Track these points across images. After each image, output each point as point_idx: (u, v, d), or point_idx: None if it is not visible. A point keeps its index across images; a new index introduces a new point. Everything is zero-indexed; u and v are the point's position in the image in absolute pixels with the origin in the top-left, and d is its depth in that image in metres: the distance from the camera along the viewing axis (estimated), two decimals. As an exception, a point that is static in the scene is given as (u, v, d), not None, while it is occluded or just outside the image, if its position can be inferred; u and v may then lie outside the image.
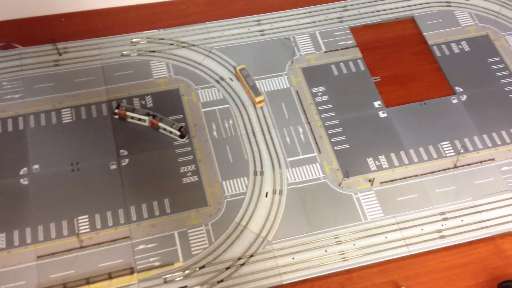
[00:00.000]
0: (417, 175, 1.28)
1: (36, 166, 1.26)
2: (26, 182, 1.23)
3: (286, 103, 1.39)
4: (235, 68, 1.34)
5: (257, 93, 1.35)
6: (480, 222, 1.22)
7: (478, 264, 1.18)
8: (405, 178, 1.28)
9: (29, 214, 1.19)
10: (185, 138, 1.31)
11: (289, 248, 1.19)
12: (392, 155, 1.32)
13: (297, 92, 1.41)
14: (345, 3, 1.57)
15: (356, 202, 1.25)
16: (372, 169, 1.30)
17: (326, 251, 1.19)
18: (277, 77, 1.43)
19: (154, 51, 1.45)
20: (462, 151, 1.31)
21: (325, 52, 1.48)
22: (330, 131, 1.35)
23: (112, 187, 1.24)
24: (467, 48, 1.49)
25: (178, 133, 1.30)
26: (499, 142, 1.33)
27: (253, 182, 1.27)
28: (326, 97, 1.40)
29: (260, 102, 1.35)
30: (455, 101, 1.40)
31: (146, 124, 1.32)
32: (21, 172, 1.25)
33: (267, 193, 1.26)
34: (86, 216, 1.20)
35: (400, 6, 1.57)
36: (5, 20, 1.47)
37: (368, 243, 1.20)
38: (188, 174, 1.27)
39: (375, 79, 1.44)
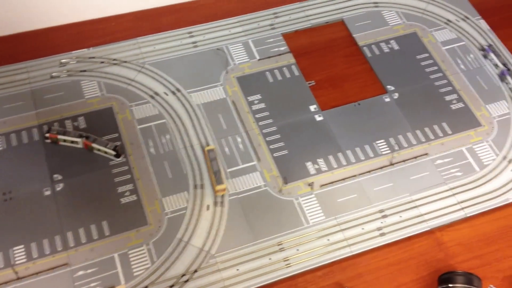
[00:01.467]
0: (355, 175, 1.30)
1: (-34, 199, 1.21)
2: (-44, 216, 1.19)
3: (223, 113, 1.39)
4: (203, 148, 1.30)
5: (219, 180, 1.24)
6: (418, 216, 1.25)
7: (419, 258, 1.20)
8: (344, 179, 1.30)
9: (-39, 249, 1.15)
10: (121, 157, 1.29)
11: (233, 259, 1.18)
12: (330, 157, 1.33)
13: (233, 101, 1.41)
14: (276, 10, 1.58)
15: (297, 207, 1.25)
16: (312, 173, 1.30)
17: (270, 259, 1.19)
18: (212, 88, 1.43)
19: (84, 71, 1.42)
20: (396, 148, 1.33)
21: (259, 60, 1.49)
22: (268, 139, 1.35)
23: (47, 214, 1.21)
24: (396, 47, 1.53)
25: (113, 152, 1.27)
26: (432, 137, 1.37)
27: (193, 196, 1.26)
28: (262, 105, 1.41)
29: (220, 191, 1.25)
30: (387, 99, 1.43)
31: (80, 146, 1.29)
32: (-49, 206, 1.20)
33: (208, 206, 1.25)
34: (22, 246, 1.16)
35: (329, 10, 1.60)
36: None
37: (312, 247, 1.20)
38: (126, 194, 1.25)
39: (309, 83, 1.45)
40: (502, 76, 1.47)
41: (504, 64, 1.48)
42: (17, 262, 1.14)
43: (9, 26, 1.47)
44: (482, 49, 1.48)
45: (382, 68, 1.48)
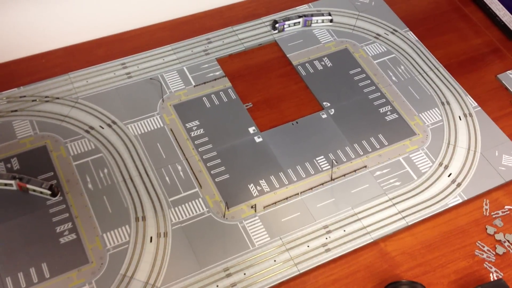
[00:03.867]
0: (297, 194, 1.31)
1: None
2: None
3: (162, 142, 1.37)
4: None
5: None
6: (362, 229, 1.26)
7: (365, 271, 1.21)
8: (286, 198, 1.30)
9: None
10: (58, 196, 1.26)
11: (180, 290, 1.16)
12: (272, 177, 1.33)
13: (171, 129, 1.40)
14: (208, 35, 1.59)
15: (242, 230, 1.25)
16: (254, 194, 1.30)
17: (217, 286, 1.17)
18: (149, 117, 1.41)
19: (16, 110, 1.39)
20: (335, 163, 1.35)
21: (195, 86, 1.49)
22: (209, 164, 1.35)
23: (-17, 262, 1.16)
24: (329, 64, 1.56)
25: (49, 192, 1.24)
26: (369, 149, 1.39)
27: (135, 229, 1.23)
28: (201, 131, 1.40)
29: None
30: (324, 116, 1.45)
31: (14, 188, 1.25)
32: None
33: (151, 237, 1.22)
34: (-43, 299, 1.11)
35: (261, 32, 1.62)
36: None
37: (259, 270, 1.19)
38: (65, 233, 1.21)
39: (247, 105, 1.46)
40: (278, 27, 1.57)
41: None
42: (-50, 317, 1.09)
43: None
44: (275, 24, 1.58)
45: (317, 85, 1.51)
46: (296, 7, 1.69)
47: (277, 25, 1.54)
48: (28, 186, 1.24)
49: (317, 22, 1.57)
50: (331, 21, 1.59)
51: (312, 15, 1.57)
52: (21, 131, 1.35)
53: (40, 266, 1.16)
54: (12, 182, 1.24)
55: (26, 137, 1.34)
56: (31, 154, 1.32)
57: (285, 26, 1.53)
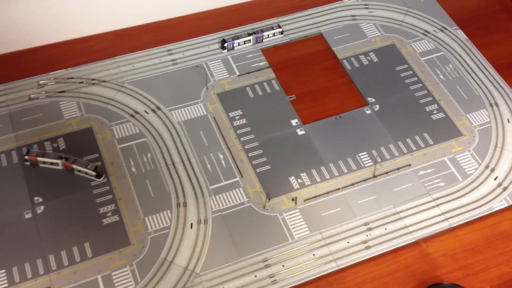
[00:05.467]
0: (339, 189, 1.30)
1: None
2: None
3: (204, 130, 1.38)
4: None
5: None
6: (403, 228, 1.24)
7: (405, 271, 1.19)
8: (327, 193, 1.29)
9: None
10: (102, 177, 1.27)
11: (219, 278, 1.17)
12: (313, 171, 1.33)
13: (214, 118, 1.40)
14: (254, 26, 1.59)
15: (282, 222, 1.25)
16: (295, 187, 1.30)
17: (256, 276, 1.17)
18: (193, 105, 1.42)
19: (63, 91, 1.41)
20: (379, 160, 1.34)
21: (239, 75, 1.49)
22: (250, 154, 1.35)
23: (28, 237, 1.18)
24: (375, 59, 1.54)
25: (94, 173, 1.26)
26: (414, 148, 1.37)
27: (176, 214, 1.24)
28: (244, 120, 1.40)
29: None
30: (368, 111, 1.43)
31: (60, 167, 1.28)
32: None
33: (192, 224, 1.23)
34: (3, 271, 1.14)
35: (307, 24, 1.61)
36: None
37: (297, 263, 1.19)
38: (108, 215, 1.23)
39: (290, 97, 1.46)
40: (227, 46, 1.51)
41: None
42: (-3, 289, 1.12)
43: (-14, 48, 1.46)
44: (223, 43, 1.51)
45: (362, 80, 1.49)
46: (343, 0, 1.67)
47: (225, 44, 1.49)
48: (74, 166, 1.26)
49: (268, 37, 1.53)
50: (281, 33, 1.54)
51: (262, 31, 1.52)
52: (68, 112, 1.38)
53: (83, 245, 1.18)
54: (59, 161, 1.26)
55: (72, 118, 1.37)
56: (77, 135, 1.34)
57: (234, 44, 1.49)
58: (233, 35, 1.49)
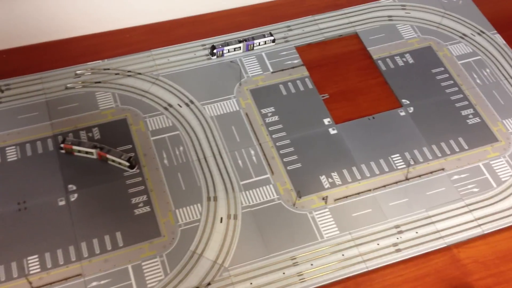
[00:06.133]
0: (370, 190, 1.29)
1: (-19, 208, 1.21)
2: (-30, 226, 1.19)
3: (236, 126, 1.38)
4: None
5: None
6: (435, 232, 1.23)
7: (435, 275, 1.18)
8: (358, 193, 1.28)
9: (-25, 259, 1.15)
10: (135, 168, 1.29)
11: (247, 273, 1.17)
12: (345, 171, 1.32)
13: (246, 114, 1.41)
14: (289, 23, 1.59)
15: (311, 221, 1.24)
16: (326, 186, 1.29)
17: (284, 273, 1.17)
18: (226, 100, 1.43)
19: (99, 82, 1.43)
20: (412, 163, 1.32)
21: (272, 72, 1.49)
22: (282, 151, 1.35)
23: (61, 224, 1.20)
24: (411, 61, 1.52)
25: (127, 163, 1.27)
26: (448, 152, 1.35)
27: (207, 208, 1.25)
28: (276, 118, 1.40)
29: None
30: (402, 113, 1.42)
31: (94, 156, 1.29)
32: (-35, 216, 1.20)
33: (221, 218, 1.24)
34: (36, 256, 1.16)
35: (343, 23, 1.60)
36: None
37: (326, 262, 1.19)
38: (140, 205, 1.24)
39: (323, 96, 1.45)
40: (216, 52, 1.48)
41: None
42: (31, 272, 1.14)
43: (25, 37, 1.48)
44: (213, 50, 1.49)
45: (397, 81, 1.48)
46: (380, 0, 1.65)
47: (215, 51, 1.47)
48: (108, 156, 1.28)
49: (259, 45, 1.51)
50: (273, 41, 1.52)
51: (253, 38, 1.50)
52: (103, 103, 1.39)
53: (115, 234, 1.20)
54: (93, 151, 1.28)
55: (107, 108, 1.38)
56: (112, 125, 1.36)
57: (224, 51, 1.47)
58: (223, 42, 1.48)
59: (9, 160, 1.28)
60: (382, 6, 1.64)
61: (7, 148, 1.30)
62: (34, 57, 1.47)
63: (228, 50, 1.47)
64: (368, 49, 1.55)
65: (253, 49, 1.48)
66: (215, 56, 1.46)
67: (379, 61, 1.52)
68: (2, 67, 1.43)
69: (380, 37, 1.57)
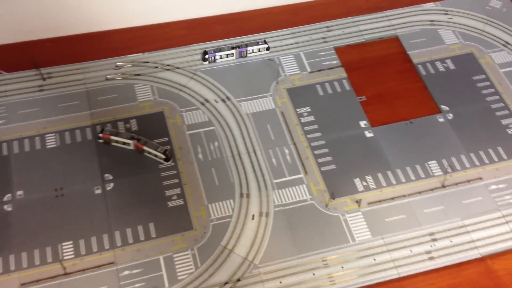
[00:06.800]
0: (404, 196, 1.27)
1: (20, 192, 1.24)
2: (10, 209, 1.22)
3: (272, 124, 1.38)
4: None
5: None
6: (470, 242, 1.21)
7: (468, 286, 1.16)
8: (392, 198, 1.27)
9: (12, 240, 1.17)
10: (170, 161, 1.30)
11: (277, 271, 1.17)
12: (379, 175, 1.31)
13: (282, 113, 1.40)
14: (329, 24, 1.58)
15: (343, 223, 1.24)
16: (360, 189, 1.29)
17: (314, 274, 1.17)
18: (262, 98, 1.43)
19: (138, 75, 1.45)
20: (449, 170, 1.30)
21: (310, 72, 1.48)
22: (316, 152, 1.34)
23: (96, 212, 1.23)
24: (452, 66, 1.50)
25: (163, 156, 1.29)
26: (486, 161, 1.33)
27: (239, 204, 1.26)
28: (311, 118, 1.40)
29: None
30: (441, 119, 1.40)
31: (131, 147, 1.31)
32: (5, 199, 1.23)
33: (253, 215, 1.24)
34: (71, 242, 1.18)
35: (383, 25, 1.58)
36: (-11, 45, 1.47)
37: (357, 266, 1.18)
38: (173, 198, 1.26)
39: (360, 98, 1.44)
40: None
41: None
42: (65, 258, 1.16)
43: (69, 27, 1.51)
44: (205, 55, 1.46)
45: (436, 87, 1.45)
46: (422, 4, 1.63)
47: (206, 56, 1.45)
48: (145, 147, 1.29)
49: (252, 52, 1.48)
50: (267, 49, 1.49)
51: (246, 45, 1.48)
52: (141, 95, 1.41)
53: (148, 225, 1.21)
54: (131, 142, 1.30)
55: (146, 101, 1.40)
56: (149, 118, 1.37)
57: (216, 57, 1.45)
58: (216, 48, 1.47)
59: (48, 147, 1.31)
60: (424, 10, 1.62)
61: (46, 135, 1.33)
62: (76, 47, 1.50)
63: (221, 56, 1.46)
64: (408, 52, 1.53)
65: (246, 56, 1.47)
66: (207, 62, 1.45)
67: (419, 66, 1.50)
68: (45, 56, 1.46)
69: (421, 41, 1.55)
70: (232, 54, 1.46)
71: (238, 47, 1.46)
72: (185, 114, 1.39)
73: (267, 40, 1.53)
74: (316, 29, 1.57)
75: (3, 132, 1.32)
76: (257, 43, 1.48)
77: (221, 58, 1.46)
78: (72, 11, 1.49)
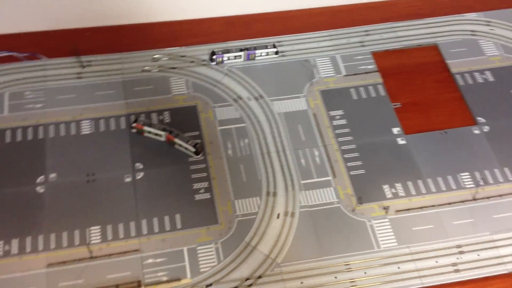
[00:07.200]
0: (434, 206, 1.25)
1: (53, 175, 1.27)
2: (42, 190, 1.25)
3: (303, 125, 1.38)
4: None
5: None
6: (497, 257, 1.18)
7: (493, 301, 1.14)
8: (421, 207, 1.25)
9: (42, 221, 1.20)
10: (200, 155, 1.32)
11: (298, 272, 1.17)
12: (409, 183, 1.29)
13: (314, 114, 1.40)
14: (368, 28, 1.57)
15: (369, 229, 1.22)
16: (388, 196, 1.27)
17: (336, 277, 1.16)
18: (295, 98, 1.43)
19: (174, 68, 1.47)
20: (482, 183, 1.28)
21: (345, 75, 1.47)
22: (346, 155, 1.33)
23: (125, 200, 1.25)
24: (491, 78, 1.47)
25: (193, 149, 1.30)
26: (520, 176, 1.30)
27: (265, 202, 1.26)
28: (344, 121, 1.39)
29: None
30: (476, 131, 1.37)
31: (163, 139, 1.33)
32: (38, 180, 1.26)
33: (279, 214, 1.24)
34: (98, 227, 1.21)
35: (423, 33, 1.56)
36: (32, 31, 1.51)
37: (380, 272, 1.17)
38: (200, 191, 1.27)
39: (395, 105, 1.42)
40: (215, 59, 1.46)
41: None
42: (92, 242, 1.18)
43: (109, 17, 1.54)
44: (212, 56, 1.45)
45: (474, 98, 1.43)
46: (464, 14, 1.60)
47: (214, 57, 1.44)
48: (176, 140, 1.31)
49: (261, 55, 1.47)
50: (276, 53, 1.48)
51: (255, 48, 1.46)
52: (176, 88, 1.43)
53: (174, 216, 1.23)
54: (163, 133, 1.32)
55: (180, 94, 1.42)
56: (182, 111, 1.39)
57: (224, 58, 1.44)
58: (224, 49, 1.47)
59: (82, 133, 1.34)
60: (466, 20, 1.59)
61: (82, 122, 1.36)
62: (116, 37, 1.53)
63: (228, 57, 1.46)
64: (447, 62, 1.50)
65: (254, 59, 1.47)
66: (215, 63, 1.45)
67: (457, 76, 1.47)
68: (85, 44, 1.49)
69: (460, 51, 1.52)
70: (240, 56, 1.46)
71: (247, 49, 1.47)
72: (217, 109, 1.40)
73: (304, 41, 1.53)
74: (355, 33, 1.56)
75: (41, 116, 1.35)
76: (266, 47, 1.48)
77: (228, 59, 1.47)
78: (114, 2, 1.52)
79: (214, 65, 1.46)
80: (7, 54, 1.44)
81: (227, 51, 1.47)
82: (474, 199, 1.26)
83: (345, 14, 1.62)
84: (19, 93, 1.38)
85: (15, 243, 1.17)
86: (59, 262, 1.16)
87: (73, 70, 1.44)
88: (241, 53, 1.46)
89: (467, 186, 1.28)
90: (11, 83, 1.40)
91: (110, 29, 1.55)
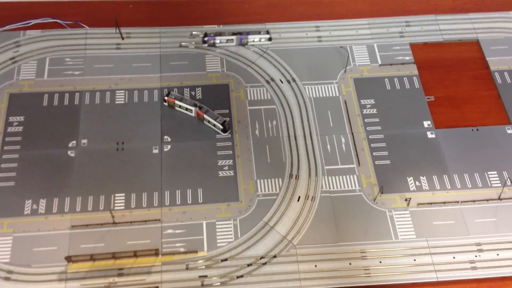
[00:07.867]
0: (457, 202, 1.24)
1: (84, 141, 1.32)
2: (73, 155, 1.30)
3: (333, 111, 1.38)
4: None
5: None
6: (518, 259, 1.16)
7: (509, 303, 1.12)
8: (444, 202, 1.24)
9: (70, 185, 1.25)
10: (228, 132, 1.34)
11: (313, 255, 1.18)
12: (435, 177, 1.27)
13: (345, 101, 1.40)
14: (409, 19, 1.54)
15: (389, 219, 1.22)
16: (411, 188, 1.26)
17: (350, 264, 1.17)
18: (327, 84, 1.42)
19: (211, 45, 1.49)
20: (509, 183, 1.25)
21: (380, 65, 1.46)
22: (373, 145, 1.33)
23: (151, 170, 1.28)
24: (531, 78, 1.42)
25: (221, 126, 1.32)
26: (551, 180, 1.26)
27: (287, 184, 1.27)
28: (374, 110, 1.38)
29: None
30: (510, 131, 1.34)
31: (192, 114, 1.36)
32: (70, 145, 1.31)
33: (299, 197, 1.25)
34: (123, 194, 1.25)
35: (465, 27, 1.52)
36: (76, 0, 1.55)
37: (395, 263, 1.17)
38: (225, 168, 1.29)
39: (428, 98, 1.40)
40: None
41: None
42: (116, 208, 1.23)
43: (152, -8, 1.57)
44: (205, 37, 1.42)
45: (511, 97, 1.39)
46: (509, 12, 1.55)
47: (206, 39, 1.43)
48: (205, 116, 1.33)
49: (253, 41, 1.44)
50: (269, 39, 1.44)
51: (247, 33, 1.43)
52: (210, 66, 1.45)
53: (197, 190, 1.26)
54: (193, 108, 1.34)
55: (213, 72, 1.44)
56: (214, 88, 1.41)
57: (216, 41, 1.42)
58: (216, 32, 1.46)
59: (117, 102, 1.38)
60: (510, 18, 1.54)
61: (117, 91, 1.40)
62: (157, 12, 1.56)
63: (220, 40, 1.46)
64: (487, 59, 1.46)
65: (247, 44, 1.46)
66: (206, 44, 1.45)
67: (496, 73, 1.44)
68: (127, 16, 1.53)
69: (502, 49, 1.48)
70: (232, 40, 1.46)
71: (240, 33, 1.46)
72: (249, 89, 1.41)
73: (343, 27, 1.52)
74: (395, 23, 1.54)
75: (78, 83, 1.40)
76: (259, 33, 1.47)
77: (220, 42, 1.46)
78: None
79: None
80: (51, 20, 1.50)
81: (219, 34, 1.47)
82: (500, 199, 1.23)
83: (388, 3, 1.60)
84: (60, 59, 1.43)
85: (42, 203, 1.23)
86: (82, 225, 1.21)
87: (112, 41, 1.48)
88: (233, 37, 1.46)
89: (494, 185, 1.25)
90: (53, 48, 1.45)
91: (152, 3, 1.58)
